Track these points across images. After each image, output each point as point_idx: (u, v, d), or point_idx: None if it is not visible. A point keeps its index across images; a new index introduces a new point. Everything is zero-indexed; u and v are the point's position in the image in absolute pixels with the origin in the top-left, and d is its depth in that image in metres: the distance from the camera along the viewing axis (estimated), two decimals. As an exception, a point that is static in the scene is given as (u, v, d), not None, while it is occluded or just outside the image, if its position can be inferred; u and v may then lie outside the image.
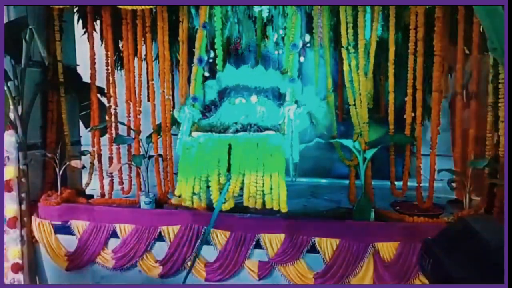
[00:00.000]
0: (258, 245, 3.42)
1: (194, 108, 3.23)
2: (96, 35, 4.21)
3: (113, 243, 3.73)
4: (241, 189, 2.97)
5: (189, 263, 3.53)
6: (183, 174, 3.05)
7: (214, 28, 3.54)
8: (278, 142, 2.90)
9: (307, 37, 3.51)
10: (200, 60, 3.37)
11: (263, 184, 2.88)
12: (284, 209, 2.94)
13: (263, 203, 2.92)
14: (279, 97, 3.30)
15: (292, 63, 3.27)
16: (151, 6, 3.63)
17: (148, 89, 4.13)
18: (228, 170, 2.95)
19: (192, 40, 3.87)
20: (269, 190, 2.90)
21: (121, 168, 4.09)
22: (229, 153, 2.97)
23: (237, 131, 3.05)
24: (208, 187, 2.97)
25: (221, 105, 3.33)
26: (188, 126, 3.11)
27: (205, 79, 3.53)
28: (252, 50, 5.16)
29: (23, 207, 3.78)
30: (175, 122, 3.94)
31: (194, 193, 2.99)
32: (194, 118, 3.19)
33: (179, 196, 3.08)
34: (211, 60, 3.62)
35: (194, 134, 3.08)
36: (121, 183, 4.18)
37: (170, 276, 3.60)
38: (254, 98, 3.26)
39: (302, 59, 3.32)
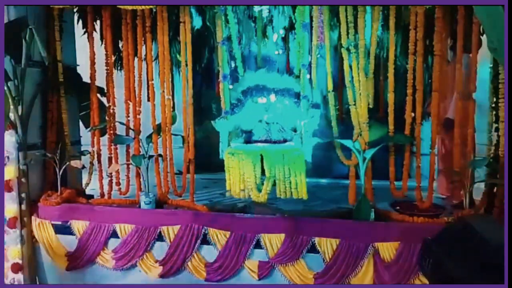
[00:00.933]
0: (258, 245, 3.42)
1: (227, 119, 3.86)
2: (96, 35, 4.21)
3: (113, 243, 3.73)
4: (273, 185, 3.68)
5: (188, 264, 3.55)
6: (229, 174, 3.74)
7: (232, 42, 3.79)
8: (299, 152, 3.61)
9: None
10: (225, 77, 3.84)
11: (290, 182, 3.59)
12: (305, 197, 3.58)
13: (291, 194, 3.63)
14: (294, 95, 3.90)
15: (303, 78, 3.71)
16: (151, 6, 3.63)
17: (148, 89, 4.13)
18: (263, 172, 3.69)
19: (192, 40, 3.88)
20: (295, 185, 3.58)
21: (118, 168, 4.09)
22: (262, 160, 3.67)
23: (265, 141, 3.90)
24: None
25: (246, 102, 4.00)
26: (225, 137, 3.84)
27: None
28: (252, 50, 5.16)
29: (23, 207, 3.78)
30: (175, 121, 3.97)
31: (242, 190, 3.70)
32: (229, 128, 3.86)
33: (229, 191, 3.80)
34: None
35: (232, 145, 3.81)
36: (118, 183, 4.17)
37: (170, 276, 3.60)
38: (273, 97, 3.98)
39: (308, 76, 3.69)
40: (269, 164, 3.62)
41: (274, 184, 3.64)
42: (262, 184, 3.67)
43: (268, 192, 3.65)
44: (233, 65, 4.03)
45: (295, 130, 3.90)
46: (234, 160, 3.68)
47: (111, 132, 4.11)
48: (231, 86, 3.94)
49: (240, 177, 3.68)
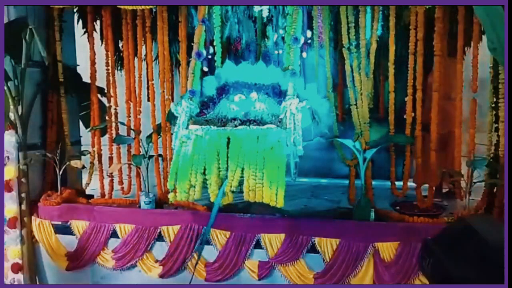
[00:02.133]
0: (258, 245, 3.42)
1: (192, 101, 3.10)
2: (96, 35, 4.21)
3: (113, 243, 3.73)
4: (240, 185, 2.80)
5: (189, 264, 3.54)
6: (176, 166, 2.87)
7: (213, 24, 3.52)
8: (278, 136, 2.75)
9: (309, 33, 3.29)
10: (199, 55, 3.25)
11: (262, 177, 2.69)
12: (280, 204, 2.71)
13: (262, 197, 2.74)
14: (280, 94, 3.13)
15: (294, 57, 3.10)
16: (151, 6, 3.63)
17: (148, 89, 4.13)
18: (227, 163, 2.80)
19: (191, 39, 3.87)
20: (268, 183, 2.69)
21: (121, 168, 4.09)
22: (228, 147, 2.81)
23: (236, 126, 2.97)
24: (205, 179, 2.81)
25: (219, 102, 3.25)
26: (185, 120, 3.00)
27: (203, 74, 3.38)
28: (252, 50, 5.16)
29: (23, 207, 3.78)
30: (171, 119, 3.80)
31: (191, 186, 2.80)
32: (192, 112, 3.06)
33: (172, 191, 2.91)
34: (209, 56, 3.56)
35: (192, 127, 2.94)
36: (120, 183, 4.18)
37: (170, 276, 3.60)
38: (254, 95, 3.16)
39: (304, 54, 3.20)
40: (236, 149, 2.74)
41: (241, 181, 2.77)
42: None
43: (233, 189, 2.76)
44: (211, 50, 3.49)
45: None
46: (188, 145, 2.84)
47: (112, 132, 4.11)
48: (206, 69, 3.38)
49: (192, 167, 2.79)
